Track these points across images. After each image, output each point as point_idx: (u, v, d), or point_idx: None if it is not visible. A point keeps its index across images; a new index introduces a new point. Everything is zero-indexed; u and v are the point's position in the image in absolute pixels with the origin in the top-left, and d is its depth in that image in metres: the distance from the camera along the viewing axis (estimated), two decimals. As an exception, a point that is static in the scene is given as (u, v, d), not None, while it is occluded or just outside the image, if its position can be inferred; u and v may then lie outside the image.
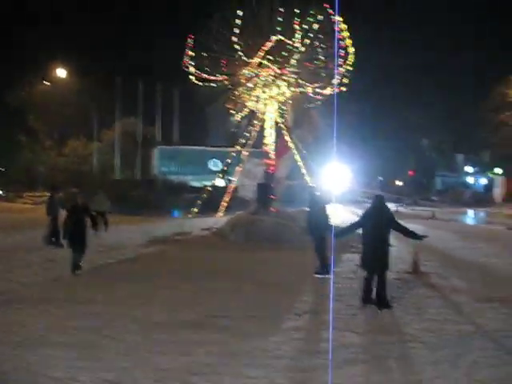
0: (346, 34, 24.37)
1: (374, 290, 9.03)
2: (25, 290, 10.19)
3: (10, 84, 55.51)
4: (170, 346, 6.85)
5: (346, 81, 24.90)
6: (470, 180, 52.60)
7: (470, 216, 32.72)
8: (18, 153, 58.08)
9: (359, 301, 9.12)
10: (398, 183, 53.20)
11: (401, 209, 33.29)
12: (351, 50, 24.33)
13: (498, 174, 51.43)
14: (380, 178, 45.34)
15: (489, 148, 57.01)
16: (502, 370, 6.17)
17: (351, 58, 24.44)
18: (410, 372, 6.11)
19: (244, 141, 24.23)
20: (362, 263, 9.32)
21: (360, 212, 12.48)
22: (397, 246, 16.85)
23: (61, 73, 54.89)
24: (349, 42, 24.35)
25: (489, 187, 51.00)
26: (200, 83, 23.96)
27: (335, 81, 24.34)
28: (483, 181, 54.63)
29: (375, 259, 8.99)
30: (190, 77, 23.94)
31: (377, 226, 9.01)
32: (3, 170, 59.98)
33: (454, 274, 12.21)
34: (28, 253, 14.74)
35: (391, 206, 31.69)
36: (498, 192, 43.49)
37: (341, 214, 21.34)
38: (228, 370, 6.01)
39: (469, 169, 54.95)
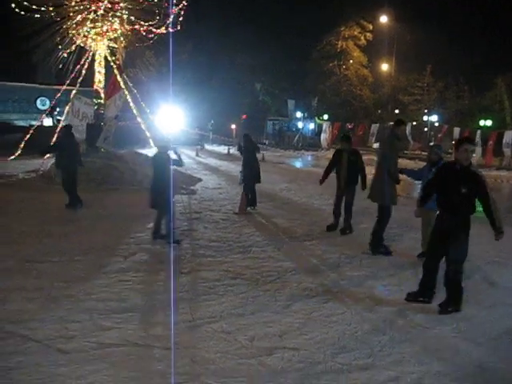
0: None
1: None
2: None
3: None
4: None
5: (180, 19, 24.53)
6: (300, 125, 54.89)
7: (298, 159, 34.34)
8: None
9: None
10: (232, 126, 54.09)
11: (232, 151, 34.06)
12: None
13: (324, 120, 54.22)
14: (212, 122, 45.72)
15: (317, 95, 59.92)
16: (314, 299, 6.72)
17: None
18: (231, 306, 6.41)
19: (72, 78, 23.01)
20: None
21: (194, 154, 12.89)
22: (225, 187, 17.41)
23: None
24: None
25: (316, 132, 53.62)
26: (23, 12, 22.14)
27: (169, 20, 23.88)
28: (312, 126, 57.30)
29: None
30: (12, 5, 22.02)
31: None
32: None
33: (278, 214, 12.88)
34: None
35: (224, 149, 32.36)
36: (324, 137, 45.96)
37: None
38: (48, 315, 5.87)
39: (299, 114, 57.23)
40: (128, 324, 5.76)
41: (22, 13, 22.06)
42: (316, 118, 57.23)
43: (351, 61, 61.57)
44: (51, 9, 22.37)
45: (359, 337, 5.66)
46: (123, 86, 19.88)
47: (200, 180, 19.01)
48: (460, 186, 6.19)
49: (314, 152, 40.80)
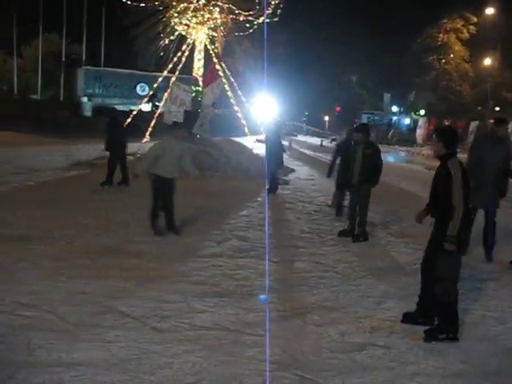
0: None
1: None
2: None
3: None
4: (88, 270, 6.81)
5: (278, 11, 24.61)
6: (395, 119, 53.73)
7: (393, 155, 33.64)
8: None
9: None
10: (325, 118, 53.73)
11: (325, 143, 33.78)
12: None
13: (421, 116, 52.80)
14: (306, 113, 45.56)
15: (414, 89, 58.31)
16: (408, 299, 6.52)
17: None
18: (322, 298, 6.35)
19: (172, 66, 23.64)
20: None
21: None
22: (318, 179, 17.30)
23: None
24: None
25: (412, 128, 52.33)
26: (129, 2, 22.99)
27: (268, 11, 23.98)
28: (407, 121, 55.98)
29: None
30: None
31: None
32: None
33: (371, 209, 12.62)
34: None
35: (317, 140, 32.31)
36: (419, 133, 44.77)
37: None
38: (145, 294, 6.06)
39: (395, 108, 56.02)
40: (220, 309, 5.83)
41: (129, 2, 22.88)
42: (412, 113, 55.77)
43: (452, 55, 59.32)
44: (156, -1, 23.07)
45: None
46: (221, 75, 20.18)
47: (293, 170, 19.04)
48: None
49: (408, 148, 39.81)
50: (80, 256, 7.39)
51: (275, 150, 13.87)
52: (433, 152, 5.77)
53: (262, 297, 6.14)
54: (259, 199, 12.33)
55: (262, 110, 26.96)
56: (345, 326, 5.59)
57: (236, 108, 23.69)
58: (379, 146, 9.88)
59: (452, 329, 5.34)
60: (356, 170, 9.23)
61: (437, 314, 5.48)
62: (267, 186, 13.44)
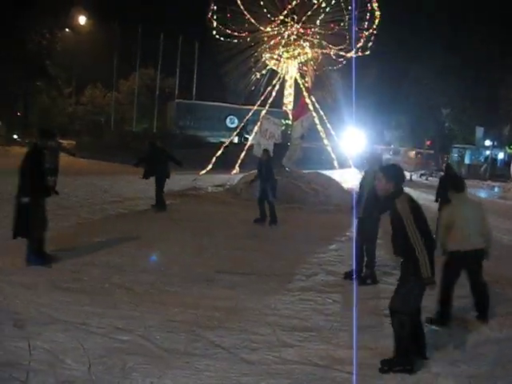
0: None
1: None
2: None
3: (32, 30, 55.11)
4: (180, 298, 6.97)
5: (369, 44, 24.62)
6: (488, 154, 51.88)
7: (485, 190, 32.41)
8: (36, 98, 58.09)
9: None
10: (411, 152, 52.56)
11: (414, 178, 33.05)
12: (377, 13, 23.93)
13: (517, 150, 50.84)
14: (392, 146, 44.86)
15: (509, 123, 56.18)
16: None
17: (376, 22, 24.08)
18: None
19: (262, 99, 24.08)
20: None
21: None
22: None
23: (82, 20, 54.48)
24: (375, 5, 23.93)
25: (507, 162, 50.35)
26: (222, 38, 23.78)
27: (359, 44, 24.06)
28: (501, 156, 53.94)
29: None
30: (213, 31, 23.73)
31: None
32: (19, 114, 60.07)
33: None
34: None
35: (406, 175, 31.68)
36: (515, 168, 42.97)
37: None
38: (235, 325, 6.13)
39: (488, 143, 54.13)
40: (309, 343, 5.80)
41: (222, 39, 23.65)
42: (507, 147, 53.70)
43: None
44: (247, 34, 23.71)
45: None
46: (311, 108, 20.33)
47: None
48: None
49: (501, 183, 38.28)
50: (173, 284, 7.59)
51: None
52: (379, 191, 5.49)
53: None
54: (348, 233, 12.20)
55: (350, 143, 26.91)
56: (438, 369, 5.40)
57: (325, 141, 23.74)
58: (470, 181, 9.56)
59: (406, 361, 5.24)
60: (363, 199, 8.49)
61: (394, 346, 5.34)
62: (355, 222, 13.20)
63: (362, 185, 8.55)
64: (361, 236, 8.46)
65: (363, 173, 8.86)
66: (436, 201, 11.54)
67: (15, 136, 54.37)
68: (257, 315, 6.51)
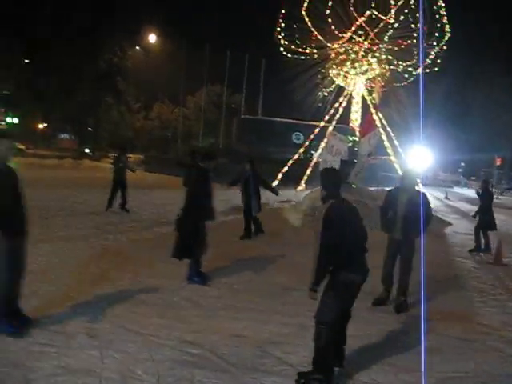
0: (442, 12, 23.60)
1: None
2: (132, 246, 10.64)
3: (103, 48, 57.19)
4: (248, 313, 7.02)
5: (438, 60, 24.24)
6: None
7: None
8: (106, 114, 60.04)
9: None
10: (484, 170, 51.13)
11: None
12: (447, 29, 23.55)
13: None
14: (462, 164, 43.75)
15: None
16: None
17: (446, 38, 23.70)
18: (481, 362, 5.97)
19: (329, 116, 24.05)
20: None
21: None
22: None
23: (152, 38, 56.14)
24: (445, 20, 23.56)
25: None
26: (289, 55, 23.97)
27: (427, 60, 23.72)
28: None
29: None
30: (281, 48, 23.96)
31: None
32: (91, 129, 62.26)
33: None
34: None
35: (472, 194, 30.86)
36: None
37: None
38: (302, 342, 6.09)
39: None
40: (377, 364, 5.70)
41: (289, 55, 23.84)
42: None
43: None
44: (315, 51, 23.80)
45: None
46: (378, 125, 20.14)
47: (450, 224, 18.29)
48: None
49: None
50: (242, 298, 7.65)
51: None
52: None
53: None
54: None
55: (418, 160, 26.42)
56: None
57: (392, 158, 23.44)
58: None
59: (322, 372, 5.10)
60: (400, 220, 7.85)
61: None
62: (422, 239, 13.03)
63: (390, 202, 8.00)
64: (394, 260, 7.98)
65: (393, 189, 8.33)
66: None
67: (86, 150, 56.28)
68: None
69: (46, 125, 69.26)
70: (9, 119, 58.39)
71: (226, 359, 5.53)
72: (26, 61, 57.03)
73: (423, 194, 7.87)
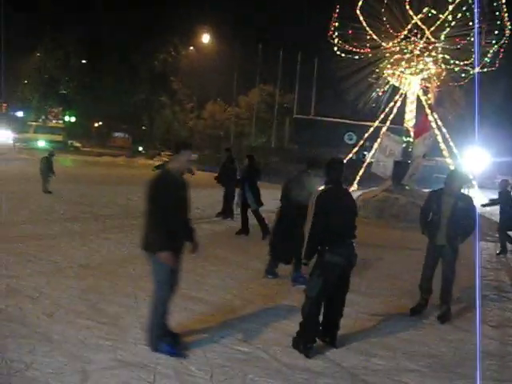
0: (503, 9, 22.93)
1: None
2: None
3: (158, 48, 58.12)
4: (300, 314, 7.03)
5: (497, 59, 23.57)
6: None
7: None
8: (160, 113, 60.95)
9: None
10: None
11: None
12: (508, 26, 22.87)
13: None
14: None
15: None
16: None
17: (506, 35, 23.01)
18: None
19: (383, 116, 23.74)
20: None
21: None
22: None
23: (205, 38, 56.68)
24: (506, 17, 22.89)
25: None
26: (343, 55, 23.77)
27: (486, 59, 23.10)
28: None
29: None
30: (334, 48, 23.78)
31: None
32: (144, 128, 63.28)
33: None
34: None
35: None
36: None
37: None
38: (355, 346, 6.03)
39: None
40: (430, 370, 5.61)
41: (343, 55, 23.64)
42: None
43: None
44: (369, 51, 23.52)
45: None
46: (433, 126, 19.77)
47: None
48: None
49: None
50: (293, 299, 7.58)
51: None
52: None
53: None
54: (462, 260, 11.67)
55: (474, 162, 25.77)
56: None
57: (448, 160, 22.96)
58: None
59: (303, 337, 5.76)
60: (444, 226, 7.37)
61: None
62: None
63: (432, 203, 7.53)
64: (435, 266, 7.48)
65: (437, 190, 7.73)
66: None
67: (140, 148, 57.30)
68: (378, 337, 6.40)
69: (101, 123, 70.99)
70: (66, 118, 59.97)
71: (278, 358, 5.55)
72: (83, 61, 58.45)
73: (469, 197, 7.57)
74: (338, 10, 23.59)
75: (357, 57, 23.45)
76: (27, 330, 5.72)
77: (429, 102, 22.45)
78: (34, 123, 55.66)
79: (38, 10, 61.55)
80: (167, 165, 5.71)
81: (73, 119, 59.70)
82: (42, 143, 45.85)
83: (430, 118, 20.02)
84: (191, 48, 60.29)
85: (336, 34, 23.87)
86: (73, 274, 8.08)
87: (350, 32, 23.63)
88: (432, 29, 22.25)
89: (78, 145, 55.69)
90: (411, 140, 21.58)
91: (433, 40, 22.60)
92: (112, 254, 9.72)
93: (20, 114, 60.55)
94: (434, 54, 22.87)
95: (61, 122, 59.71)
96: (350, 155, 26.86)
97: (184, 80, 60.25)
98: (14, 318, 6.05)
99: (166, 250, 5.13)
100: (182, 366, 5.16)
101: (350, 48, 23.40)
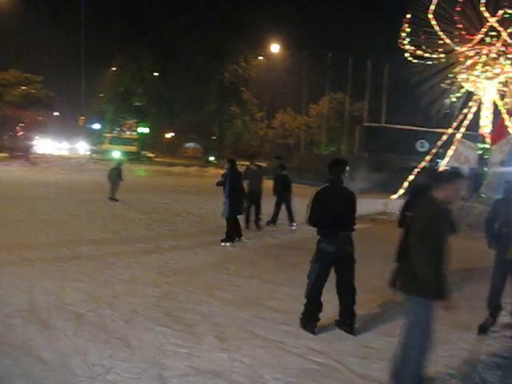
0: None
1: None
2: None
3: (228, 59, 58.85)
4: (375, 324, 6.92)
5: None
6: None
7: None
8: (230, 123, 61.62)
9: None
10: None
11: None
12: None
13: None
14: None
15: None
16: None
17: None
18: None
19: (458, 122, 23.08)
20: None
21: None
22: None
23: (274, 48, 56.97)
24: None
25: None
26: (415, 61, 23.34)
27: None
28: None
29: None
30: (405, 54, 23.40)
31: None
32: (215, 137, 64.03)
33: None
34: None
35: None
36: None
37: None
38: (433, 357, 5.86)
39: None
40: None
41: (414, 61, 23.22)
42: None
43: None
44: (442, 56, 22.98)
45: None
46: (511, 132, 19.07)
47: None
48: None
49: None
50: (366, 308, 7.40)
51: None
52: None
53: None
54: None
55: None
56: None
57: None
58: None
59: (306, 320, 6.55)
60: None
61: None
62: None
63: (499, 213, 6.95)
64: (504, 281, 6.90)
65: (504, 198, 7.15)
66: None
67: (211, 158, 58.09)
68: (455, 349, 6.20)
69: (173, 134, 72.52)
70: (140, 129, 61.63)
71: (352, 370, 5.46)
72: (156, 74, 59.94)
73: None
74: (408, 16, 23.20)
75: (429, 62, 22.96)
76: (106, 336, 5.92)
77: (506, 106, 21.66)
78: (108, 135, 57.63)
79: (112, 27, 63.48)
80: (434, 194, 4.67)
81: (146, 130, 61.23)
82: (116, 154, 47.32)
83: (508, 123, 19.27)
84: (261, 58, 60.74)
85: (407, 39, 23.48)
86: (148, 282, 8.29)
87: (422, 37, 23.19)
88: (509, 31, 21.51)
89: (150, 155, 57.07)
90: (487, 147, 20.87)
91: (510, 42, 21.81)
92: (185, 262, 9.88)
93: (96, 126, 62.67)
94: (511, 56, 22.10)
95: (134, 133, 61.38)
96: (424, 163, 26.23)
97: (254, 90, 60.71)
98: (94, 323, 6.28)
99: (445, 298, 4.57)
100: (257, 375, 5.18)
101: (422, 53, 22.93)
